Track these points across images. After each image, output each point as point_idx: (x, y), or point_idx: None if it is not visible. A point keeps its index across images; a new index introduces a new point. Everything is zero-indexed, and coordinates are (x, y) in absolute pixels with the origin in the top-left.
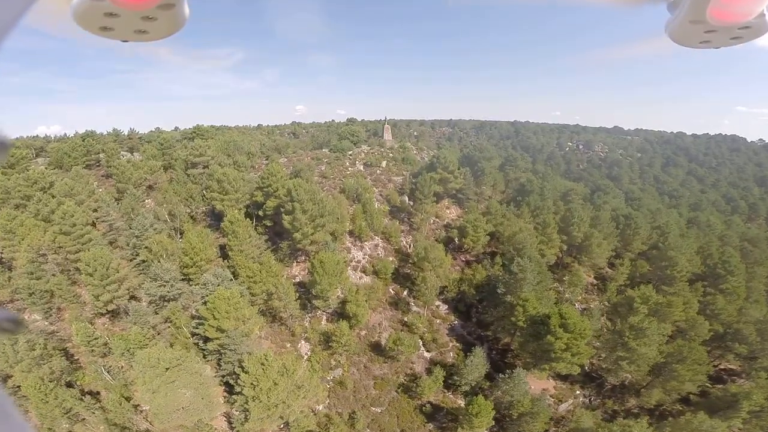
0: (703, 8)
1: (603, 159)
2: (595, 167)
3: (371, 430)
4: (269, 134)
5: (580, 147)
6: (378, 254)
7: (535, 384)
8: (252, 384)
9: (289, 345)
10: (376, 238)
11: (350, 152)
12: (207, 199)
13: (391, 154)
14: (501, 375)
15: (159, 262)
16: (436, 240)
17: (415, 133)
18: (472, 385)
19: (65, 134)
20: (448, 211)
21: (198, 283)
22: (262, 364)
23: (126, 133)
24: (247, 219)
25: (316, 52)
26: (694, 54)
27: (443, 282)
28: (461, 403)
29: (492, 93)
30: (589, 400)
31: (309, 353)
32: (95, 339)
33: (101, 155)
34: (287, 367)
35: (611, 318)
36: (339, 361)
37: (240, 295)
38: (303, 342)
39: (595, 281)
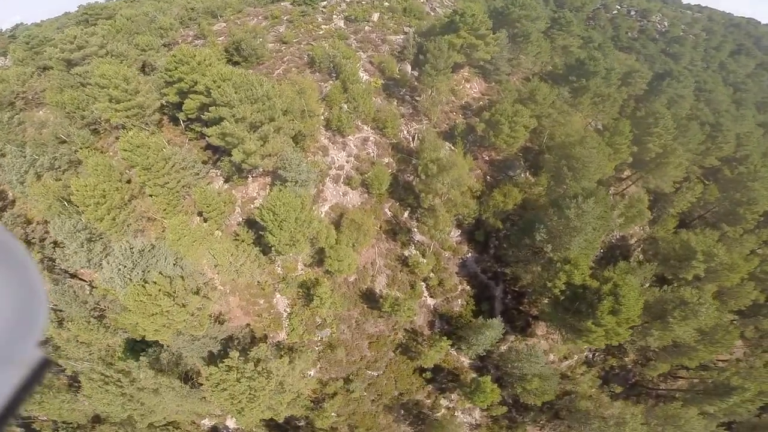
0: None
1: (662, 33)
2: (650, 39)
3: (368, 395)
4: None
5: (632, 14)
6: (368, 153)
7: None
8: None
9: (262, 301)
10: (365, 128)
11: (324, 3)
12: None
13: (386, 3)
14: (516, 345)
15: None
16: (450, 131)
17: None
18: (479, 353)
19: None
20: (467, 86)
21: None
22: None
23: None
24: (162, 133)
25: None
26: None
27: (460, 209)
28: (465, 362)
29: None
30: (593, 355)
31: (288, 310)
32: None
33: None
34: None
35: (649, 255)
36: (326, 320)
37: (168, 283)
38: (278, 296)
39: None
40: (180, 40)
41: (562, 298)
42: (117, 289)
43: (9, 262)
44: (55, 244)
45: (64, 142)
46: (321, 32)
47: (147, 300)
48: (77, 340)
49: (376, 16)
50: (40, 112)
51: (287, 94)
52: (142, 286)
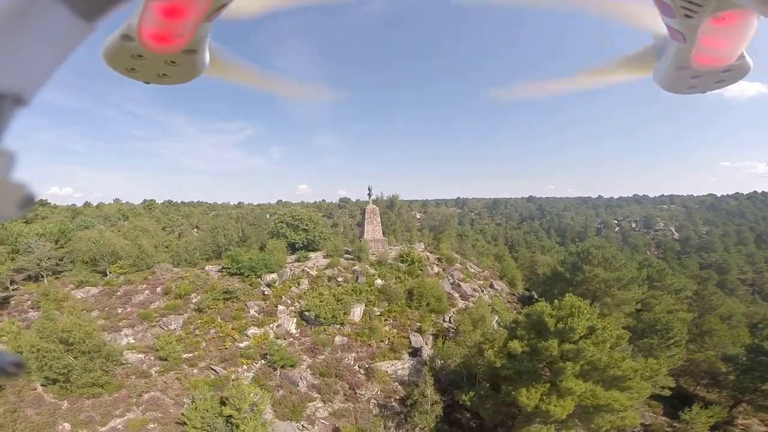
0: (687, 54)
1: (679, 241)
2: (677, 254)
3: None
4: (247, 214)
5: (633, 225)
6: None
7: None
8: None
9: None
10: None
11: (271, 277)
12: None
13: (377, 278)
14: None
15: None
16: None
17: (418, 216)
18: None
19: None
20: None
21: None
22: None
23: None
24: None
25: (322, 131)
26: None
27: None
28: None
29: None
30: None
31: None
32: None
33: None
34: None
35: None
36: None
37: None
38: None
39: None
40: (7, 317)
41: None
42: None
43: None
44: None
45: None
46: (244, 344)
47: None
48: None
49: (358, 313)
50: None
51: None
52: None
